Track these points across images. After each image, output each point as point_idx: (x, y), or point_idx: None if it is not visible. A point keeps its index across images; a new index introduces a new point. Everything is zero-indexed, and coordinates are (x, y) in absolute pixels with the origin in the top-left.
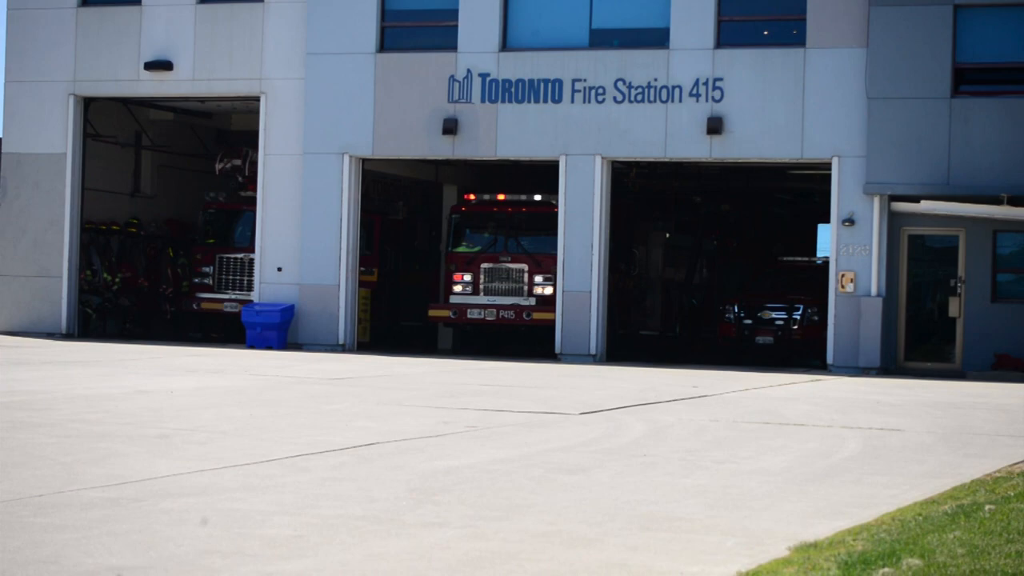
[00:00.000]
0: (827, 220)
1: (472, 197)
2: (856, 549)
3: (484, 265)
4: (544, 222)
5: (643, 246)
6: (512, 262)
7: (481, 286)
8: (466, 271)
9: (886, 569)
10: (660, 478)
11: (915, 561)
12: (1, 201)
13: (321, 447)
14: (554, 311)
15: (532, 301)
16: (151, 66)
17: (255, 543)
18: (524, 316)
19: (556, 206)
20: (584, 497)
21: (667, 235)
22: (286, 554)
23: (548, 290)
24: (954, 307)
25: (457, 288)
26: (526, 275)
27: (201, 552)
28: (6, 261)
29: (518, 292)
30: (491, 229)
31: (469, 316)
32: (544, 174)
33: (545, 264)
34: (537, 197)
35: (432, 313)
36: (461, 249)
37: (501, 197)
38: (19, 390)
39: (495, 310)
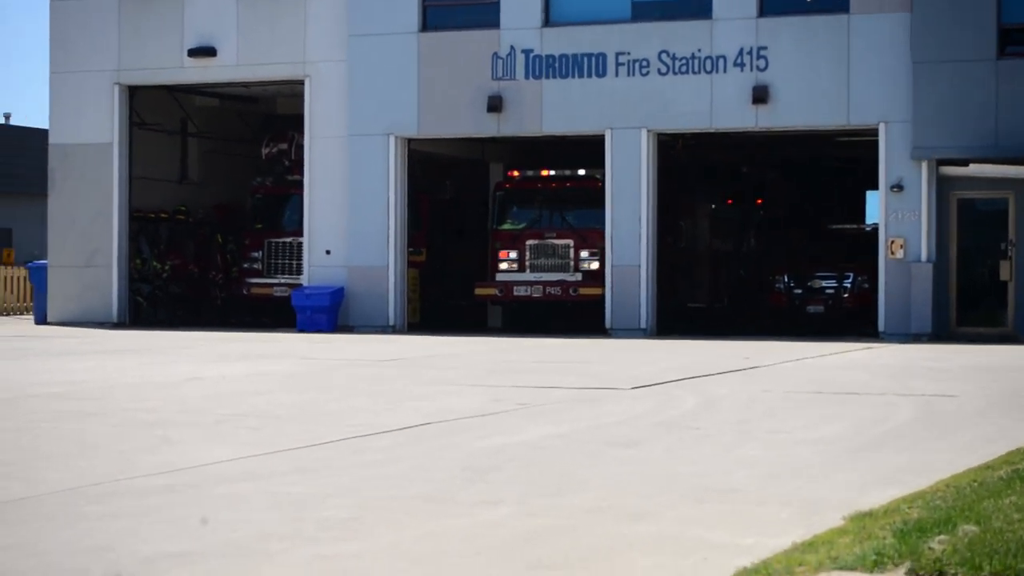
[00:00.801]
0: (875, 187)
1: (516, 174)
2: (911, 517)
3: (529, 242)
4: (589, 197)
5: (689, 218)
6: (557, 238)
7: (527, 263)
8: (512, 248)
9: (942, 536)
10: (713, 450)
11: (971, 527)
12: (50, 193)
13: (373, 428)
14: (601, 286)
15: (578, 277)
16: (194, 52)
17: (311, 526)
18: (571, 292)
19: (600, 180)
20: (637, 471)
21: (713, 206)
22: (342, 536)
23: (594, 265)
24: (1005, 271)
25: (503, 266)
26: (572, 251)
27: (257, 536)
28: (56, 252)
29: (564, 268)
30: (536, 205)
31: (516, 293)
32: (590, 148)
33: (591, 239)
34: (581, 172)
35: (479, 291)
36: (506, 226)
37: (545, 173)
38: (72, 380)
39: (541, 287)
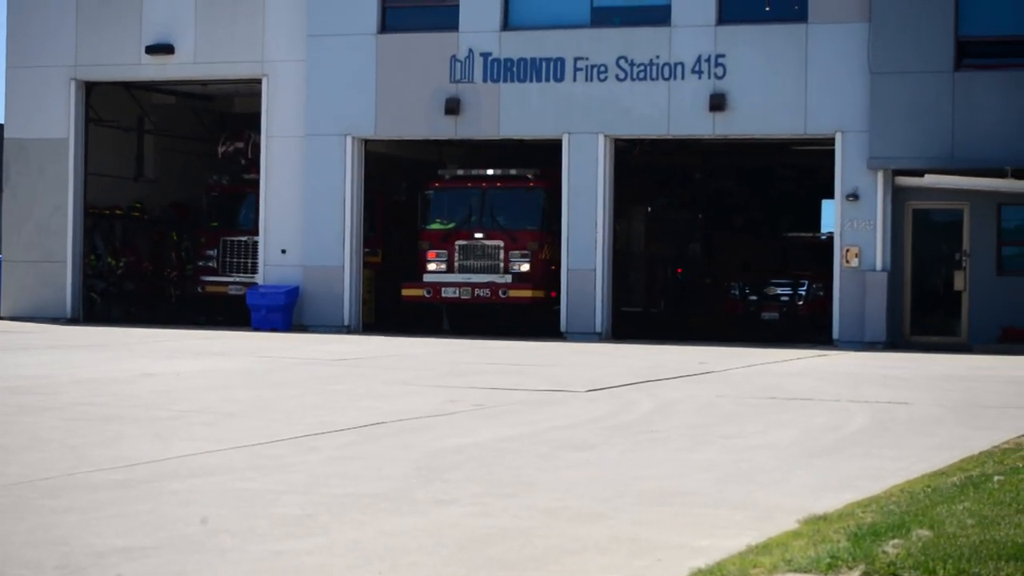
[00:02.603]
0: (831, 195)
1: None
2: (865, 521)
3: (458, 242)
4: (521, 197)
5: (624, 220)
6: (487, 238)
7: (456, 263)
8: (440, 248)
9: (896, 540)
10: (668, 454)
11: (925, 532)
12: (4, 187)
13: (329, 427)
14: (533, 288)
15: (508, 279)
16: (152, 50)
17: (265, 522)
18: (500, 294)
19: (532, 180)
20: (592, 473)
21: (648, 209)
22: (296, 532)
23: (525, 267)
24: (959, 281)
25: (431, 266)
26: (502, 251)
27: (211, 532)
28: (10, 247)
29: (494, 269)
30: (466, 205)
31: (444, 295)
32: (547, 153)
33: (521, 240)
34: (513, 171)
35: (406, 292)
36: (435, 226)
37: (475, 172)
38: (25, 374)
39: (470, 288)
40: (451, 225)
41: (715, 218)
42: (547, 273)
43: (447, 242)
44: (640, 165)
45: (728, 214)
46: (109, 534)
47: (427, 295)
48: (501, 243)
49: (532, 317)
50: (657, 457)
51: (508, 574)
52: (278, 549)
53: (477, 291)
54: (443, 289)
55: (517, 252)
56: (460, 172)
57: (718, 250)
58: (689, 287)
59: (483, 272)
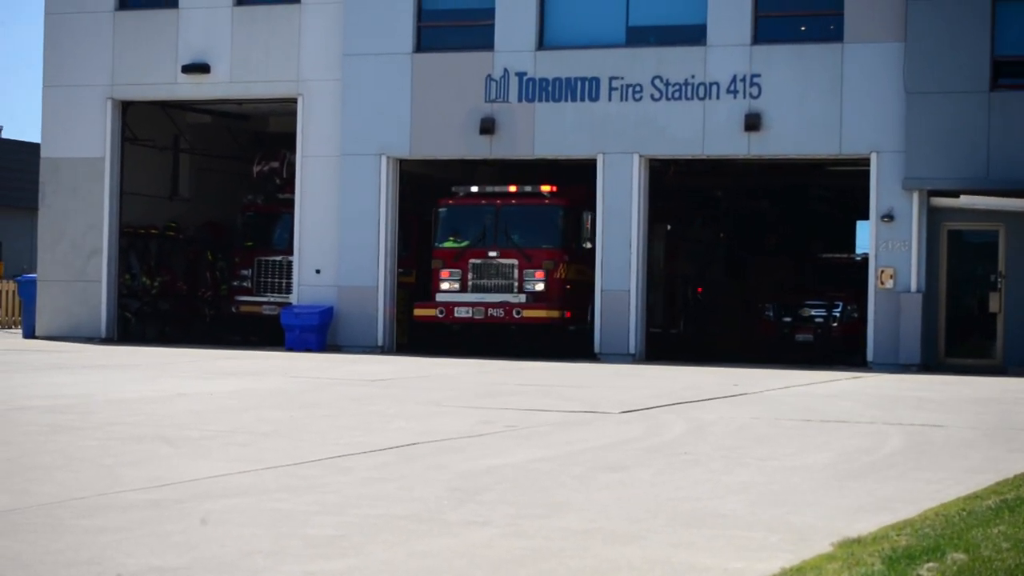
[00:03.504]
0: (866, 216)
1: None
2: (900, 544)
3: (472, 260)
4: (536, 214)
5: (655, 240)
6: (501, 257)
7: (469, 283)
8: (453, 267)
9: (931, 564)
10: (702, 475)
11: (960, 556)
12: (40, 206)
13: (362, 448)
14: (549, 308)
15: (522, 298)
16: (188, 69)
17: (297, 543)
18: (514, 314)
19: (548, 197)
20: (625, 495)
21: (668, 227)
22: (329, 553)
23: (539, 286)
24: (994, 303)
25: (444, 285)
26: (516, 270)
27: (243, 553)
28: (45, 266)
29: (507, 288)
30: (479, 223)
31: (457, 315)
32: (582, 173)
33: (536, 258)
34: (528, 188)
35: (418, 312)
36: (448, 244)
37: (490, 189)
38: (60, 394)
39: (483, 308)
40: (464, 243)
41: (748, 239)
42: (563, 293)
43: (460, 260)
44: (673, 185)
45: (761, 235)
46: (143, 554)
47: (440, 315)
48: (515, 262)
49: (549, 338)
50: (691, 479)
51: None
52: (311, 570)
53: (490, 311)
54: (456, 309)
55: (532, 271)
56: (474, 189)
57: (751, 271)
58: (709, 307)
59: (497, 291)
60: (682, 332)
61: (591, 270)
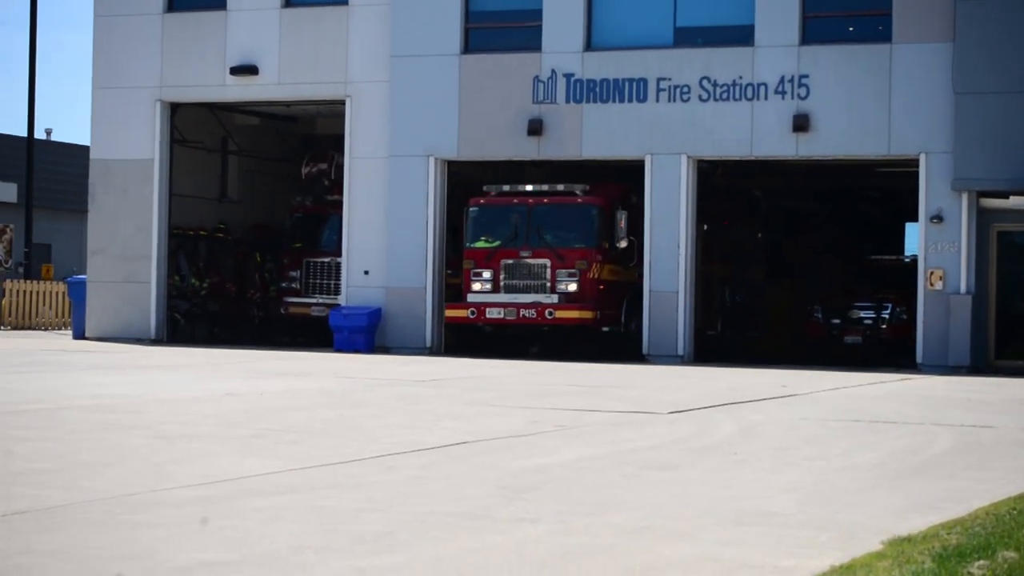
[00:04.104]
0: (914, 218)
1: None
2: (950, 543)
3: (504, 261)
4: (568, 213)
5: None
6: (533, 257)
7: (501, 283)
8: (485, 268)
9: (981, 562)
10: (751, 474)
11: (1011, 554)
12: (90, 208)
13: (410, 446)
14: (583, 309)
15: (555, 299)
16: (237, 71)
17: (346, 539)
18: (546, 315)
19: (581, 196)
20: (675, 493)
21: (704, 227)
22: (377, 549)
23: (572, 287)
24: None
25: (476, 286)
26: (548, 270)
27: (293, 548)
28: (95, 268)
29: (540, 289)
30: (511, 222)
31: (488, 316)
32: (630, 174)
33: (569, 258)
34: (560, 187)
35: (449, 313)
36: (480, 244)
37: (522, 188)
38: (110, 394)
39: (515, 309)
40: (496, 243)
41: (796, 240)
42: (596, 293)
43: (492, 261)
44: (720, 186)
45: (809, 236)
46: (193, 549)
47: (471, 316)
48: (548, 262)
49: (583, 339)
50: (740, 478)
51: None
52: (359, 565)
53: (523, 312)
54: (487, 310)
55: (564, 271)
56: (506, 188)
57: (799, 273)
58: (751, 309)
59: (529, 292)
60: (719, 333)
61: (625, 270)
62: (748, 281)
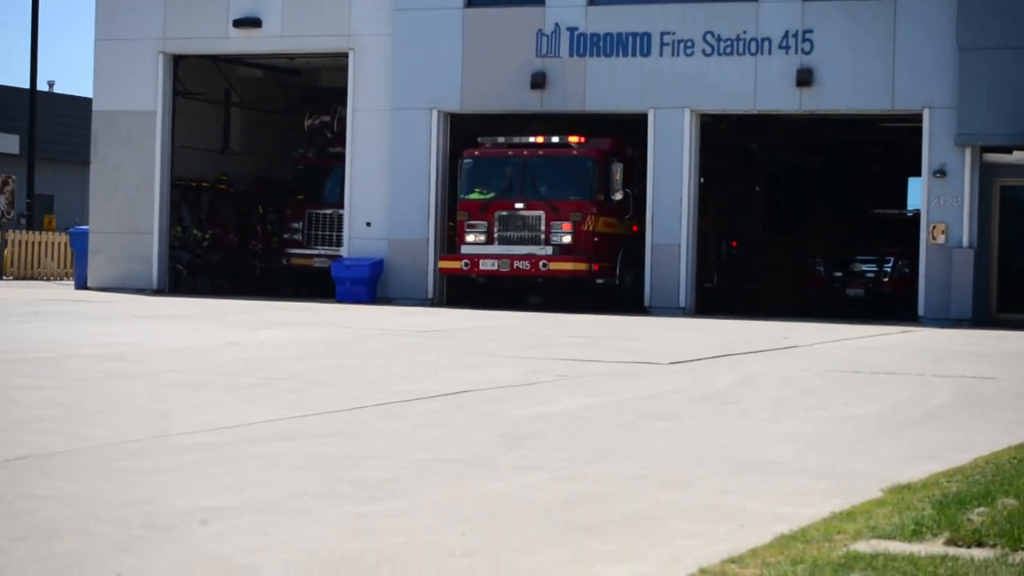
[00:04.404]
0: (918, 172)
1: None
2: (950, 490)
3: (498, 213)
4: (563, 165)
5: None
6: (527, 209)
7: (495, 235)
8: (479, 219)
9: (981, 508)
10: (751, 424)
11: (1010, 501)
12: (92, 159)
13: (412, 395)
14: (577, 260)
15: (549, 250)
16: (240, 23)
17: (348, 486)
18: (540, 267)
19: (576, 148)
20: (675, 442)
21: (701, 180)
22: (380, 495)
23: (567, 239)
24: None
25: (470, 238)
26: (543, 222)
27: (293, 494)
28: (98, 218)
29: (534, 241)
30: (506, 174)
31: (482, 267)
32: (632, 128)
33: (563, 210)
34: (555, 139)
35: (443, 265)
36: (473, 196)
37: (516, 140)
38: (112, 342)
39: (509, 260)
40: (490, 195)
41: (798, 194)
42: (591, 245)
43: (486, 213)
44: (723, 141)
45: (812, 190)
46: (194, 495)
47: (464, 268)
48: (542, 213)
49: (578, 291)
50: (740, 427)
51: (591, 537)
52: (361, 511)
53: (516, 263)
54: (481, 261)
55: (559, 223)
56: (500, 140)
57: (801, 226)
58: (749, 262)
59: (523, 244)
60: (715, 286)
61: (620, 222)
62: (747, 234)
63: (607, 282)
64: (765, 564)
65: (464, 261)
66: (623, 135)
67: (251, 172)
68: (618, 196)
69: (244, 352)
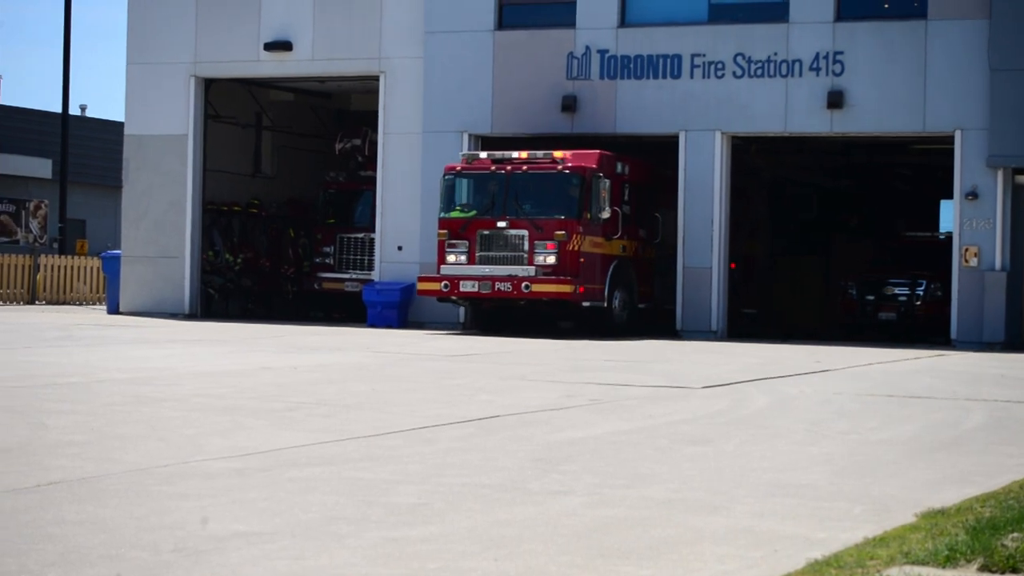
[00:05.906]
0: (949, 195)
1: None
2: (984, 515)
3: (480, 231)
4: (548, 182)
5: (670, 210)
6: (510, 227)
7: (476, 255)
8: (460, 238)
9: (1015, 534)
10: (785, 447)
11: None
12: (124, 183)
13: (444, 420)
14: (562, 282)
15: (532, 271)
16: (271, 47)
17: (380, 510)
18: (523, 288)
19: (561, 164)
20: (708, 466)
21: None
22: (411, 520)
23: (551, 259)
24: None
25: (450, 258)
26: (526, 241)
27: (327, 519)
28: (129, 243)
29: (517, 261)
30: (489, 191)
31: (462, 289)
32: (663, 150)
33: (547, 229)
34: (539, 154)
35: (421, 287)
36: (454, 214)
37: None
38: (143, 367)
39: (490, 282)
40: (472, 213)
41: (829, 217)
42: (577, 266)
43: (467, 231)
44: (754, 163)
45: (843, 213)
46: (226, 519)
47: (444, 289)
48: (526, 232)
49: (560, 314)
50: (774, 451)
51: (625, 562)
52: (394, 536)
53: (498, 285)
54: (461, 283)
55: (543, 242)
56: (483, 155)
57: (832, 249)
58: (740, 284)
59: (505, 264)
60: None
61: (608, 241)
62: (774, 258)
63: (593, 305)
64: None
65: (444, 283)
66: (654, 158)
67: (282, 196)
68: (605, 214)
69: (276, 376)
